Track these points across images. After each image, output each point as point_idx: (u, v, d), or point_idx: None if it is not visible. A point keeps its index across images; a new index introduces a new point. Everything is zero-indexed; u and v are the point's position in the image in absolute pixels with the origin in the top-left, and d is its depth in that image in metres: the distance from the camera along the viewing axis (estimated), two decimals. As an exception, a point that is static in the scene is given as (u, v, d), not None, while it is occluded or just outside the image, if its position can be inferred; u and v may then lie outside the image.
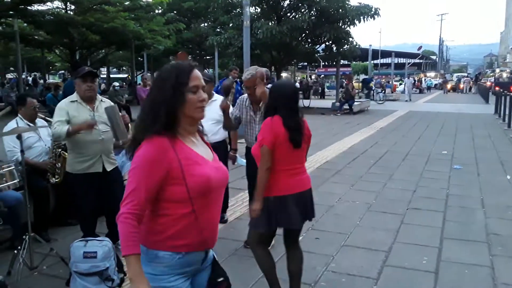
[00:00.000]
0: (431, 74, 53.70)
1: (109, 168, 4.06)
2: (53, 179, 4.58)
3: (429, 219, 5.28)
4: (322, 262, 4.08)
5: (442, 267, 3.99)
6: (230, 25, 21.12)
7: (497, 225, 5.08)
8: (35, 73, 42.44)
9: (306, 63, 34.47)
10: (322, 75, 36.91)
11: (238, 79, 9.42)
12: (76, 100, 3.94)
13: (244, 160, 4.52)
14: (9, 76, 42.65)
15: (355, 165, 8.45)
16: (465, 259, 4.15)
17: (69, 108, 3.88)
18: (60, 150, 4.58)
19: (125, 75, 49.55)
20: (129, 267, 1.67)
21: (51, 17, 20.21)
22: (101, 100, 4.08)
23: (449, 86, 43.88)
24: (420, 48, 60.53)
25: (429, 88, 45.55)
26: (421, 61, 66.08)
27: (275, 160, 2.97)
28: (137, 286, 1.66)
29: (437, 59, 69.99)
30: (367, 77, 36.72)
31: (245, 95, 4.30)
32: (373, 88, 31.15)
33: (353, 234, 4.82)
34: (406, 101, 28.82)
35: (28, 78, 36.83)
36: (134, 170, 1.74)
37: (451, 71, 78.10)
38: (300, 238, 4.61)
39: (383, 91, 32.72)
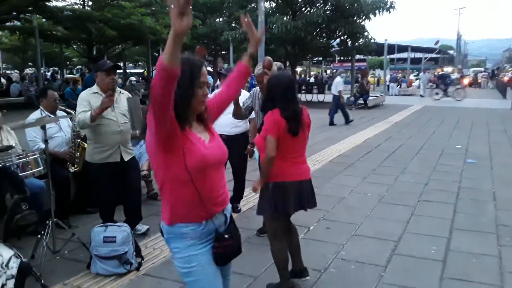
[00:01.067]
0: (448, 69, 53.00)
1: (126, 158, 4.23)
2: (73, 168, 4.78)
3: (440, 211, 5.36)
4: (332, 250, 4.20)
5: (450, 256, 4.09)
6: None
7: (507, 217, 5.14)
8: (54, 68, 43.13)
9: (321, 58, 34.32)
10: (335, 70, 36.76)
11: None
12: (97, 92, 4.11)
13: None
14: (27, 71, 43.42)
15: (368, 159, 8.53)
16: (473, 249, 4.24)
17: (91, 99, 4.06)
18: (79, 140, 4.78)
19: (141, 70, 50.02)
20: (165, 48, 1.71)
21: (69, 13, 20.57)
22: (120, 92, 4.26)
23: (466, 81, 43.32)
24: (437, 42, 59.91)
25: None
26: (438, 55, 65.30)
27: (277, 149, 3.11)
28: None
29: (454, 53, 69.07)
30: (443, 73, 36.29)
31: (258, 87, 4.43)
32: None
33: (363, 224, 4.93)
34: (421, 95, 27.96)
35: (47, 73, 37.46)
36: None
37: (469, 66, 77.01)
38: (311, 227, 4.80)
39: (399, 86, 32.54)
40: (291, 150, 3.16)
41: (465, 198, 5.87)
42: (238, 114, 4.29)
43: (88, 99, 4.07)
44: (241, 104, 4.26)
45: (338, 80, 14.62)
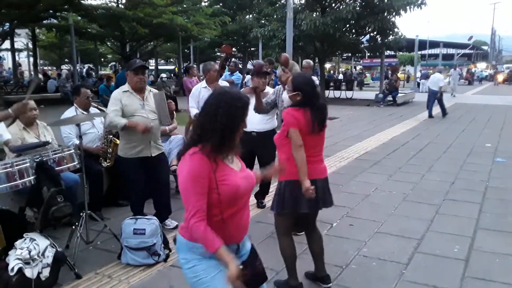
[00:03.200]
0: (482, 65, 51.67)
1: (156, 153, 4.42)
2: (105, 163, 5.00)
3: (465, 210, 5.33)
4: (354, 247, 4.27)
5: (473, 256, 4.09)
6: (274, 17, 21.24)
7: (535, 217, 5.08)
8: (88, 64, 44.18)
9: (350, 54, 34.02)
10: (361, 67, 36.34)
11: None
12: (128, 90, 4.30)
13: None
14: (64, 67, 44.63)
15: (395, 156, 8.50)
16: (498, 249, 4.22)
17: (122, 97, 4.26)
18: (111, 136, 5.00)
19: (172, 67, 50.69)
20: (221, 258, 1.98)
21: (104, 11, 21.07)
22: (150, 90, 4.44)
23: (500, 77, 42.15)
24: (471, 38, 58.39)
25: (480, 80, 43.88)
26: (472, 51, 63.69)
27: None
28: (230, 265, 1.95)
29: (488, 49, 67.16)
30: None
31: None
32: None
33: (386, 222, 4.97)
34: (452, 95, 24.16)
35: (83, 69, 38.40)
36: (187, 184, 2.02)
37: (503, 62, 74.69)
38: (334, 224, 4.87)
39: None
40: (309, 148, 3.19)
41: (492, 198, 5.81)
42: (259, 108, 4.40)
43: (120, 97, 4.25)
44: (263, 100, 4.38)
45: (439, 76, 15.42)
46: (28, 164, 3.49)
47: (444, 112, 15.05)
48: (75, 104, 4.94)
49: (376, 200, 5.77)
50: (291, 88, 3.24)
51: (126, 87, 4.34)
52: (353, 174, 7.08)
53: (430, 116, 14.78)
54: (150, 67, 39.19)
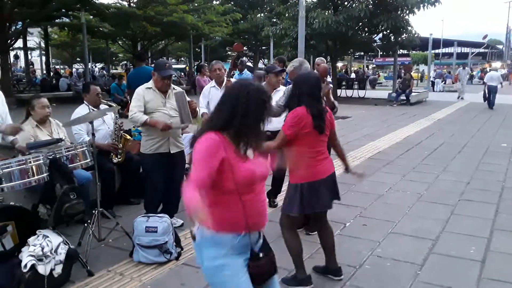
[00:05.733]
0: (497, 64, 51.00)
1: (175, 150, 4.44)
2: (116, 159, 5.01)
3: (481, 211, 5.25)
4: (368, 247, 4.21)
5: (490, 257, 4.01)
6: (286, 15, 21.17)
7: (553, 218, 4.97)
8: (101, 64, 44.49)
9: (362, 53, 33.80)
10: (373, 65, 36.09)
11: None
12: (151, 88, 4.37)
13: None
14: (75, 66, 44.99)
15: (409, 156, 8.40)
16: (515, 250, 4.14)
17: (145, 94, 4.31)
18: (121, 132, 5.00)
19: (184, 66, 50.85)
20: (197, 214, 1.82)
21: (115, 10, 21.19)
22: (173, 88, 4.45)
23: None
24: (485, 36, 57.64)
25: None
26: (486, 50, 62.96)
27: (301, 149, 3.21)
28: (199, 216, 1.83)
29: (503, 48, 66.32)
30: None
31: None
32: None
33: (401, 222, 4.90)
34: (460, 98, 22.05)
35: (94, 68, 38.67)
36: (197, 157, 2.00)
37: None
38: (348, 224, 4.81)
39: (443, 82, 31.64)
40: (312, 147, 3.24)
41: (509, 198, 5.71)
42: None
43: (143, 94, 4.32)
44: (274, 102, 4.34)
45: (497, 73, 18.21)
46: (41, 161, 3.49)
47: (491, 105, 17.30)
48: (85, 101, 4.94)
49: (390, 200, 5.70)
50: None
51: (150, 84, 4.41)
52: (366, 173, 6.99)
53: (490, 106, 17.21)
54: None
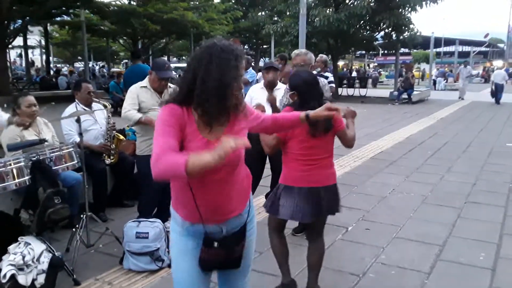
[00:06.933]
0: (498, 63, 50.71)
1: None
2: (108, 160, 4.80)
3: (489, 214, 5.03)
4: (372, 254, 3.99)
5: (500, 264, 3.80)
6: (287, 13, 20.96)
7: None
8: (101, 63, 44.35)
9: (364, 51, 33.59)
10: (375, 64, 35.90)
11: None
12: (146, 86, 4.14)
13: None
14: (76, 65, 44.82)
15: (412, 156, 8.18)
16: (526, 257, 3.92)
17: (139, 93, 4.09)
18: (114, 132, 4.79)
19: (185, 64, 50.67)
20: (201, 162, 1.59)
21: (115, 8, 21.01)
22: (169, 87, 4.24)
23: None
24: (487, 35, 57.26)
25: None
26: (488, 49, 62.67)
27: (290, 149, 2.97)
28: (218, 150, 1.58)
29: (505, 47, 66.01)
30: None
31: None
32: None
33: (405, 226, 4.68)
34: (461, 98, 20.79)
35: (95, 67, 38.47)
36: (156, 122, 1.82)
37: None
38: (350, 228, 4.59)
39: (445, 80, 31.41)
40: (311, 149, 2.92)
41: (517, 201, 5.50)
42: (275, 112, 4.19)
43: (137, 93, 4.12)
44: (278, 102, 4.12)
45: (504, 72, 19.88)
46: (22, 163, 3.27)
47: (498, 100, 18.41)
48: (76, 100, 4.72)
49: (393, 202, 5.48)
50: (288, 88, 3.08)
51: (144, 83, 4.20)
52: (368, 174, 6.79)
53: (497, 102, 18.28)
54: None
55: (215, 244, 1.91)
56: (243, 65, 1.83)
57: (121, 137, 4.99)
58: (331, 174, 3.03)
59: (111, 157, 4.81)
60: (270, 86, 4.57)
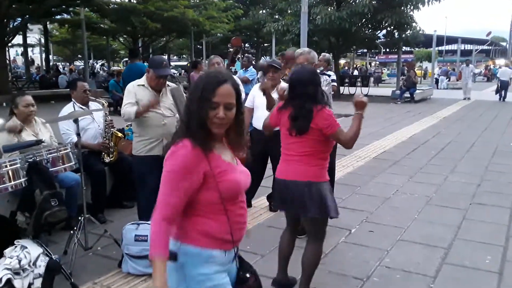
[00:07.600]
0: (501, 61, 50.53)
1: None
2: (108, 158, 4.72)
3: (494, 215, 4.95)
4: (376, 257, 3.91)
5: (507, 268, 3.72)
6: (288, 11, 20.86)
7: None
8: (101, 61, 44.30)
9: (365, 50, 33.46)
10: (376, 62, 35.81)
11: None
12: (143, 84, 4.03)
13: None
14: (77, 63, 44.77)
15: (415, 156, 8.10)
16: (534, 260, 3.84)
17: (136, 91, 3.98)
18: (112, 130, 4.71)
19: (185, 63, 50.60)
20: (155, 271, 1.66)
21: (115, 6, 20.92)
22: (167, 85, 4.14)
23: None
24: (489, 33, 57.05)
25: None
26: (490, 47, 62.51)
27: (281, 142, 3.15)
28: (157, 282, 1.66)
29: (507, 45, 65.83)
30: None
31: None
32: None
33: (410, 228, 4.60)
34: (467, 98, 19.89)
35: (95, 65, 38.43)
36: (169, 174, 1.73)
37: (523, 58, 73.10)
38: (353, 230, 4.51)
39: (448, 79, 31.29)
40: (285, 144, 3.09)
41: (523, 202, 5.41)
42: (272, 107, 4.11)
43: (134, 91, 4.00)
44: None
45: (509, 70, 19.83)
46: (18, 165, 3.19)
47: (503, 98, 19.05)
48: (73, 99, 4.63)
49: (397, 203, 5.40)
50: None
51: (142, 81, 4.07)
52: (371, 174, 6.70)
53: (503, 99, 18.94)
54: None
55: (247, 275, 1.91)
56: (215, 93, 1.75)
57: (119, 134, 4.91)
58: (304, 170, 2.98)
59: (110, 156, 4.74)
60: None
